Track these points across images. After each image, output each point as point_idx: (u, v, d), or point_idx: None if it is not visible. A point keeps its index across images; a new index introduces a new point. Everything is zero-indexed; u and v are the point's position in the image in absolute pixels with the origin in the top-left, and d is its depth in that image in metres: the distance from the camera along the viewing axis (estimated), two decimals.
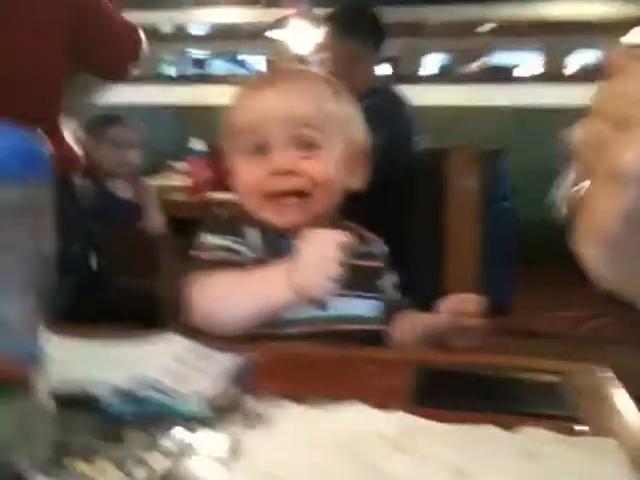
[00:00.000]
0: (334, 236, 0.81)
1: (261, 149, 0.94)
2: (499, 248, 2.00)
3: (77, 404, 0.61)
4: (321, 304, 0.89)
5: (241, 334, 0.84)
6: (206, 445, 0.54)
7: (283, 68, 1.09)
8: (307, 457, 0.50)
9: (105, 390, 0.62)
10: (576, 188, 0.42)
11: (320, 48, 2.41)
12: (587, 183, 0.40)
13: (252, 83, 1.02)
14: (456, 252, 1.94)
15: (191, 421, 0.58)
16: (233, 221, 0.96)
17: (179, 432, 0.57)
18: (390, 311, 1.03)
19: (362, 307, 0.97)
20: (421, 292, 1.91)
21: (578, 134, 0.41)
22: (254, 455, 0.51)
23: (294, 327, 0.90)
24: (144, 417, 0.59)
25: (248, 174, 0.94)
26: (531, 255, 2.46)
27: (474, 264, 1.93)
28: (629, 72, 0.40)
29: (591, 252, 0.40)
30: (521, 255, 2.11)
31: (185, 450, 0.53)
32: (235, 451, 0.53)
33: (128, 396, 0.61)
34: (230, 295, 0.86)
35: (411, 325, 1.01)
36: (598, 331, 1.97)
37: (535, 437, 0.53)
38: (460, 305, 0.91)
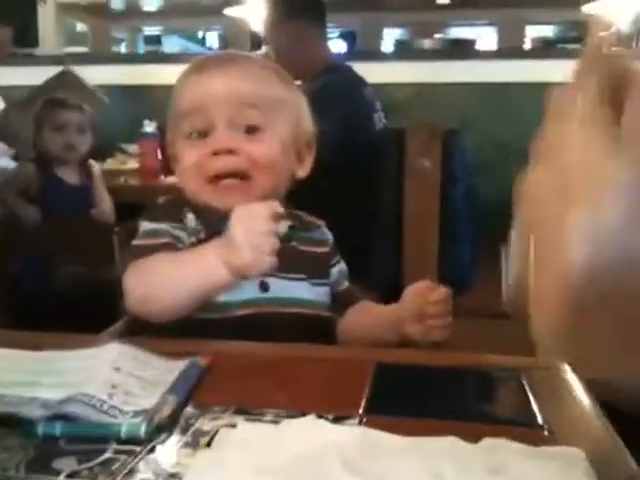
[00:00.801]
0: (264, 208, 0.78)
1: (204, 133, 0.92)
2: (460, 227, 1.98)
3: (2, 424, 0.55)
4: (260, 281, 0.89)
5: (180, 318, 0.81)
6: (144, 470, 0.49)
7: (228, 52, 1.06)
8: None
9: (33, 408, 0.57)
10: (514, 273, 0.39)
11: (265, 29, 2.36)
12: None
13: (194, 66, 0.98)
14: (416, 232, 1.92)
15: (128, 442, 0.53)
16: (172, 206, 0.94)
17: (114, 456, 0.51)
18: (338, 298, 1.00)
19: (306, 291, 0.94)
20: (381, 273, 1.91)
21: (521, 187, 0.38)
22: None
23: (235, 310, 0.88)
24: (75, 438, 0.54)
25: (189, 157, 0.93)
26: (494, 232, 2.45)
27: (434, 244, 1.91)
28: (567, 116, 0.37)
29: (545, 341, 0.37)
30: (483, 233, 2.09)
31: (120, 478, 0.48)
32: (177, 478, 0.48)
33: (58, 414, 0.55)
34: (165, 278, 0.83)
35: (367, 315, 0.98)
36: None
37: (501, 449, 0.49)
38: (425, 294, 0.87)
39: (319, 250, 1.00)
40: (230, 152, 0.90)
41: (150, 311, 0.82)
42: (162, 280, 0.83)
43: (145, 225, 0.91)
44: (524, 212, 0.37)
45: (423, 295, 0.86)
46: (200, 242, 0.89)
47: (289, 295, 0.91)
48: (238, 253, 0.76)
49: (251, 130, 0.92)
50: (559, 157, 0.36)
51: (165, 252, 0.85)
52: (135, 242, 0.90)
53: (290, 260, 0.91)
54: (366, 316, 0.98)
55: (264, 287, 0.90)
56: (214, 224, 0.90)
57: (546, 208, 0.35)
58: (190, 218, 0.92)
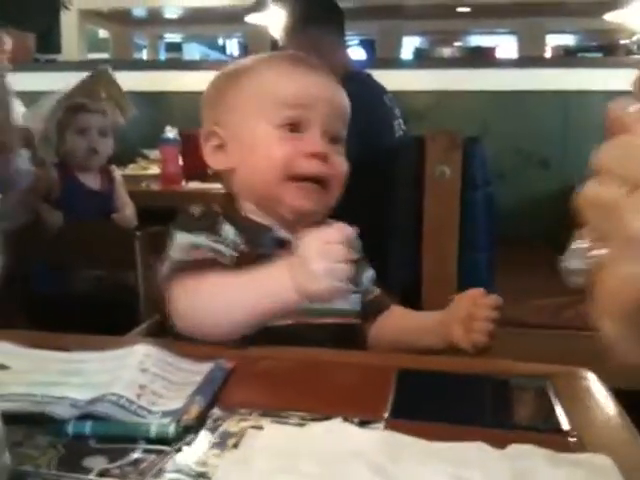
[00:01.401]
0: (339, 234, 0.75)
1: (297, 128, 0.91)
2: (480, 233, 1.97)
3: (32, 423, 0.56)
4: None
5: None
6: (173, 469, 0.50)
7: (306, 56, 1.04)
8: None
9: (62, 407, 0.58)
10: (590, 257, 0.39)
11: (282, 37, 2.35)
12: (601, 251, 0.37)
13: (284, 59, 0.99)
14: (435, 238, 1.91)
15: (157, 442, 0.54)
16: (207, 217, 0.91)
17: (143, 455, 0.52)
18: (369, 305, 1.00)
19: (340, 300, 0.92)
20: (400, 279, 1.90)
21: (585, 197, 0.38)
22: None
23: (274, 320, 0.85)
24: (105, 437, 0.54)
25: (280, 148, 0.90)
26: (512, 239, 2.44)
27: (453, 251, 1.90)
28: (635, 130, 0.37)
29: (611, 327, 0.36)
30: (503, 240, 2.09)
31: (149, 477, 0.49)
32: (205, 478, 0.48)
33: (88, 414, 0.56)
34: (227, 299, 0.80)
35: (406, 320, 0.99)
36: (582, 318, 1.95)
37: (527, 456, 0.50)
38: (476, 299, 0.86)
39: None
40: (324, 158, 0.90)
41: (205, 334, 0.79)
42: (223, 303, 0.80)
43: (182, 237, 0.87)
44: (593, 221, 0.38)
45: (473, 300, 0.86)
46: (242, 255, 0.87)
47: (326, 306, 0.89)
48: (314, 279, 0.73)
49: (334, 141, 0.93)
50: (627, 167, 0.36)
51: (211, 269, 0.82)
52: (176, 256, 0.86)
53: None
54: (406, 321, 0.99)
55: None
56: (254, 236, 0.89)
57: (617, 215, 0.36)
58: (227, 229, 0.89)
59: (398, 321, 0.99)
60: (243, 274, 0.81)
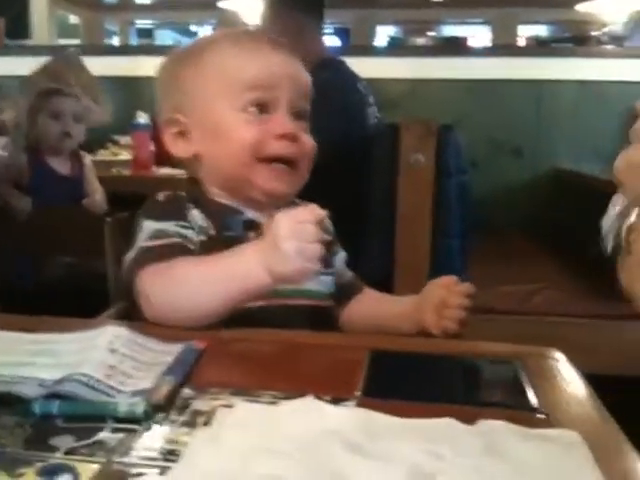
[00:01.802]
0: (310, 214, 0.74)
1: (264, 109, 0.89)
2: (453, 221, 1.98)
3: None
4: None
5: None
6: (142, 448, 0.49)
7: (265, 33, 1.01)
8: (255, 463, 0.45)
9: (30, 387, 0.57)
10: (625, 219, 0.39)
11: (264, 21, 2.34)
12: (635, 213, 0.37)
13: (244, 37, 0.96)
14: (409, 225, 1.92)
15: (126, 421, 0.53)
16: (174, 203, 0.90)
17: (111, 434, 0.51)
18: (343, 288, 1.00)
19: (313, 282, 0.92)
20: (373, 266, 1.91)
21: (621, 161, 0.38)
22: (195, 461, 0.46)
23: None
24: (73, 417, 0.54)
25: (247, 131, 0.88)
26: (484, 227, 2.46)
27: (426, 238, 1.91)
28: None
29: None
30: (475, 227, 2.10)
31: (117, 455, 0.48)
32: (175, 455, 0.48)
33: (56, 394, 0.55)
34: (198, 286, 0.79)
35: (380, 304, 0.99)
36: (551, 304, 1.97)
37: (497, 431, 0.50)
38: (449, 287, 0.87)
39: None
40: (294, 138, 0.89)
41: (180, 319, 0.77)
42: (194, 288, 0.78)
43: (150, 225, 0.86)
44: (629, 183, 0.38)
45: (446, 288, 0.87)
46: (210, 239, 0.86)
47: (297, 287, 0.90)
48: (285, 260, 0.72)
49: (299, 117, 0.91)
50: None
51: (178, 255, 0.81)
52: (144, 244, 0.85)
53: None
54: (379, 304, 0.99)
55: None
56: (223, 219, 0.88)
57: None
58: (195, 214, 0.88)
59: (371, 305, 1.00)
60: (214, 258, 0.80)
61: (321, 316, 0.94)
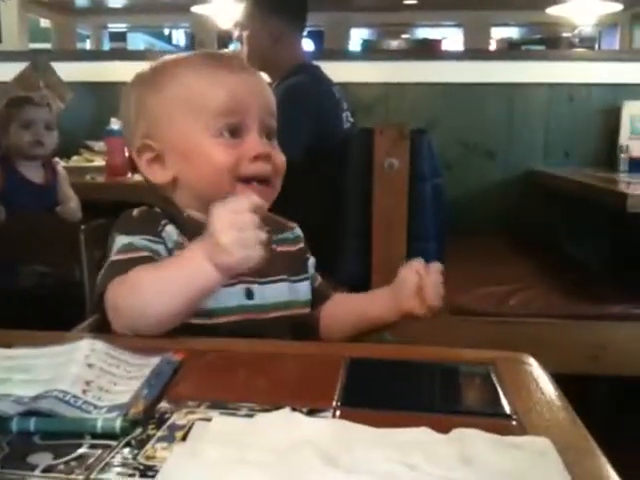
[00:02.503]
0: (244, 202, 0.76)
1: (236, 133, 0.90)
2: (428, 224, 2.00)
3: None
4: (246, 288, 0.90)
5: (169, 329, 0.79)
6: (120, 464, 0.50)
7: (223, 52, 1.03)
8: (234, 476, 0.46)
9: (6, 404, 0.57)
10: None
11: (243, 25, 2.34)
12: None
13: (207, 60, 0.95)
14: (384, 229, 1.93)
15: (104, 437, 0.53)
16: (148, 218, 0.91)
17: (89, 451, 0.52)
18: (315, 292, 1.01)
19: (288, 292, 0.95)
20: (350, 270, 1.92)
21: None
22: (174, 475, 0.46)
23: (220, 317, 0.87)
24: (50, 434, 0.54)
25: (223, 156, 0.89)
26: (459, 229, 2.48)
27: (402, 241, 1.93)
28: None
29: None
30: (451, 230, 2.13)
31: (95, 472, 0.48)
32: (153, 471, 0.48)
33: (32, 410, 0.55)
34: (154, 288, 0.79)
35: (354, 302, 1.02)
36: (526, 305, 1.99)
37: (471, 440, 0.51)
38: (420, 270, 0.90)
39: (294, 248, 1.01)
40: (267, 158, 0.91)
41: (145, 326, 0.78)
42: (151, 290, 0.79)
43: (121, 239, 0.87)
44: None
45: (418, 271, 0.90)
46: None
47: (272, 300, 0.92)
48: (225, 251, 0.74)
49: (270, 136, 0.93)
50: None
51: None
52: (113, 258, 0.86)
53: (271, 263, 0.92)
54: (354, 303, 1.01)
55: (249, 295, 0.90)
56: (198, 235, 0.89)
57: None
58: (170, 230, 0.88)
59: (346, 304, 1.02)
60: (166, 261, 0.82)
61: (301, 324, 0.95)
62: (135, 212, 0.92)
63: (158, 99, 0.92)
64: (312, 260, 1.04)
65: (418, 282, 0.89)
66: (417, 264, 0.91)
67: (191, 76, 0.92)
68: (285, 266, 0.96)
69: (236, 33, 2.38)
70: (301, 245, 1.03)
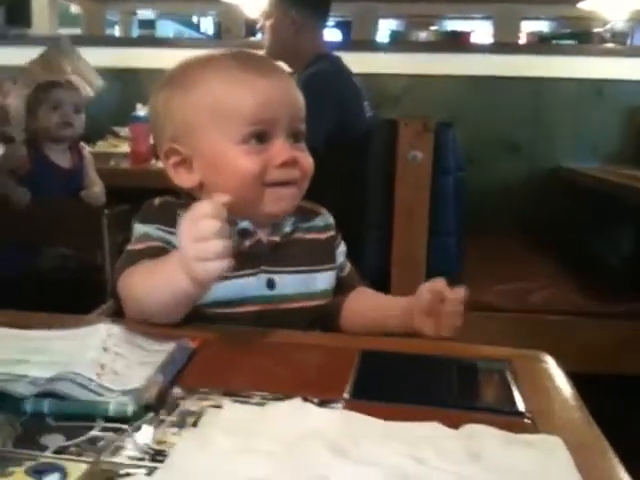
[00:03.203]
0: (206, 207, 0.73)
1: (263, 139, 0.89)
2: (449, 218, 1.99)
3: None
4: (268, 278, 0.90)
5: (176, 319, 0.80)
6: (131, 447, 0.50)
7: (253, 53, 0.99)
8: (241, 465, 0.46)
9: (22, 385, 0.57)
10: None
11: (266, 15, 2.35)
12: None
13: (239, 67, 0.92)
14: (405, 222, 1.92)
15: (116, 420, 0.54)
16: (167, 208, 0.91)
17: (101, 433, 0.52)
18: (342, 282, 1.01)
19: (311, 282, 0.95)
20: (370, 262, 1.91)
21: None
22: (181, 463, 0.47)
23: (241, 307, 0.88)
24: (63, 415, 0.54)
25: (250, 164, 0.88)
26: (481, 224, 2.46)
27: (423, 234, 1.92)
28: None
29: None
30: (472, 225, 2.11)
31: (106, 455, 0.49)
32: (162, 456, 0.49)
33: (46, 392, 0.56)
34: (144, 290, 0.80)
35: (373, 303, 1.00)
36: (546, 302, 1.98)
37: (481, 437, 0.50)
38: (440, 291, 0.87)
39: (324, 236, 1.00)
40: (294, 163, 0.90)
41: (145, 319, 0.80)
42: (142, 292, 0.80)
43: (138, 228, 0.89)
44: None
45: (438, 294, 0.87)
46: None
47: (294, 291, 0.91)
48: (188, 263, 0.73)
49: (297, 139, 0.92)
50: None
51: (151, 257, 0.82)
52: (129, 247, 0.88)
53: (296, 252, 0.93)
54: (373, 304, 1.00)
55: (270, 285, 0.90)
56: None
57: None
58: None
59: (363, 304, 1.01)
60: (159, 263, 0.80)
61: (321, 316, 0.95)
62: (157, 201, 0.93)
63: (184, 103, 0.91)
64: (343, 248, 1.03)
65: (435, 307, 0.86)
66: (438, 284, 0.88)
67: (218, 81, 0.90)
68: (311, 254, 0.96)
69: (260, 22, 2.39)
70: (331, 233, 1.02)
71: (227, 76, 0.91)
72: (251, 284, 0.89)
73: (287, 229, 0.94)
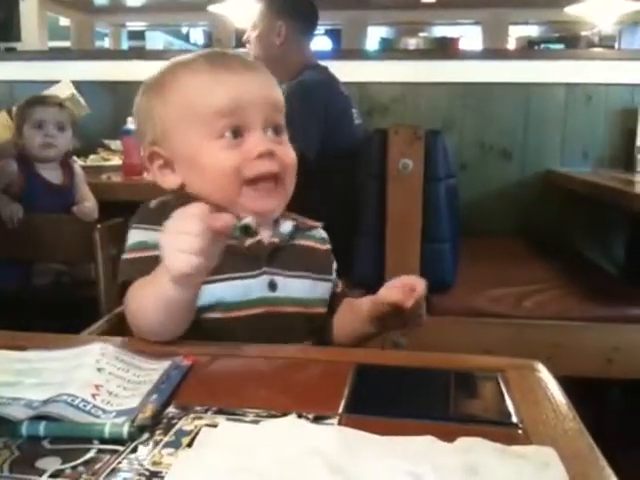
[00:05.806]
0: (194, 208, 0.72)
1: (238, 134, 0.89)
2: (442, 226, 1.99)
3: None
4: (269, 280, 0.90)
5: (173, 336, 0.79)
6: (127, 469, 0.50)
7: (225, 52, 1.00)
8: None
9: (17, 408, 0.57)
10: None
11: (253, 26, 2.36)
12: None
13: (205, 63, 0.93)
14: (398, 230, 1.93)
15: (112, 442, 0.54)
16: (164, 210, 0.88)
17: (97, 455, 0.52)
18: (334, 298, 1.02)
19: (310, 289, 0.95)
20: (363, 271, 1.92)
21: None
22: None
23: (244, 309, 0.88)
24: (59, 438, 0.54)
25: (227, 159, 0.88)
26: (473, 230, 2.47)
27: (416, 242, 1.92)
28: None
29: None
30: (465, 230, 2.12)
31: (102, 477, 0.49)
32: (159, 477, 0.49)
33: (42, 414, 0.56)
34: (135, 307, 0.81)
35: (350, 311, 1.01)
36: (541, 307, 1.98)
37: (476, 449, 0.51)
38: (405, 285, 0.89)
39: (323, 247, 1.02)
40: (271, 155, 0.89)
41: (143, 335, 0.80)
42: (134, 307, 0.81)
43: (134, 234, 0.89)
44: None
45: (399, 289, 0.89)
46: None
47: (294, 294, 0.92)
48: (163, 256, 0.72)
49: (277, 131, 0.91)
50: None
51: (147, 268, 0.81)
52: (125, 256, 0.87)
53: (295, 256, 0.94)
54: (350, 312, 1.01)
55: (272, 286, 0.90)
56: None
57: None
58: None
59: (348, 312, 1.01)
60: (150, 275, 0.79)
61: (317, 324, 0.96)
62: (153, 203, 0.93)
63: (161, 106, 0.92)
64: (335, 266, 1.04)
65: (400, 302, 0.88)
66: (402, 281, 0.90)
67: (190, 80, 0.92)
68: (311, 261, 0.97)
69: (246, 34, 2.41)
70: (328, 246, 1.03)
71: (198, 75, 0.92)
72: (253, 285, 0.89)
73: (287, 233, 0.95)
